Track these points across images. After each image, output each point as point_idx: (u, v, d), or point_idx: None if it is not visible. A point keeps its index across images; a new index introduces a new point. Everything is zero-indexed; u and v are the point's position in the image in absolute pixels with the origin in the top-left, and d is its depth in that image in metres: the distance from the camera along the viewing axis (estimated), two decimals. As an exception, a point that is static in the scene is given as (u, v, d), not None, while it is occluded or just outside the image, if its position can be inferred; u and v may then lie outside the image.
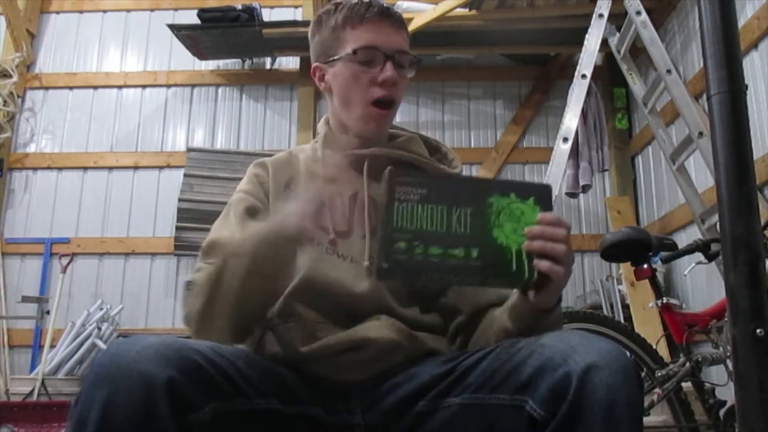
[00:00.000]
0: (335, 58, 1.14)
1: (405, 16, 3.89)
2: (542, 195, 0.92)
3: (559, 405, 0.79)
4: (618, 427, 0.77)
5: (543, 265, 0.88)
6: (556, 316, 0.99)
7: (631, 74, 3.06)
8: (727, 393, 2.07)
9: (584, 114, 3.57)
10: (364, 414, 0.98)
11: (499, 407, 0.87)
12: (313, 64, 1.20)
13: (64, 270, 4.01)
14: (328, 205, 1.07)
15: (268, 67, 4.68)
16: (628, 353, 2.33)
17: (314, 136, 1.27)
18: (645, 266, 2.23)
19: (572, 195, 3.74)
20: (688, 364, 2.09)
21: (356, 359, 1.01)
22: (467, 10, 3.85)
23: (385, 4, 1.15)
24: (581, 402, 0.78)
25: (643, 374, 2.38)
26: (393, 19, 1.14)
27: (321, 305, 1.05)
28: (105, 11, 4.88)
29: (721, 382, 2.09)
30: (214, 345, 0.89)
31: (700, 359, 2.09)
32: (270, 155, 1.23)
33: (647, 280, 2.25)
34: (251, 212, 1.10)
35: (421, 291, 1.09)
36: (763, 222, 1.77)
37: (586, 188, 3.63)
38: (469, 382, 0.91)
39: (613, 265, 4.03)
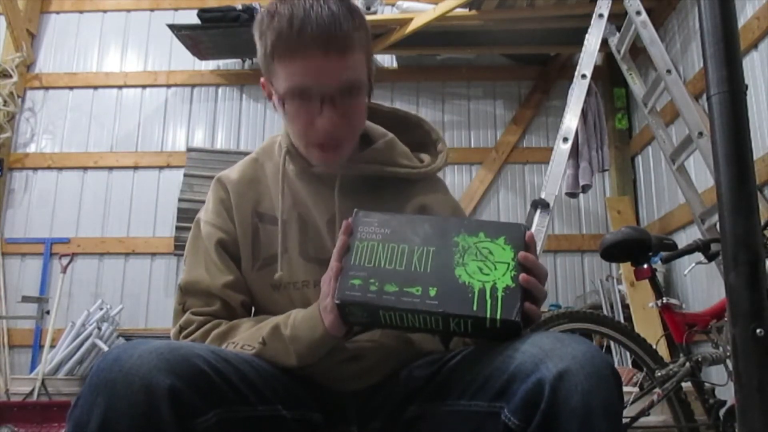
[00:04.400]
0: (271, 84, 1.00)
1: (405, 16, 3.93)
2: (514, 234, 0.88)
3: (533, 414, 0.76)
4: None
5: (529, 306, 0.84)
6: None
7: (631, 74, 3.06)
8: (727, 393, 2.07)
9: (584, 114, 3.57)
10: (360, 424, 0.99)
11: (480, 414, 0.84)
12: (262, 77, 1.04)
13: (64, 270, 4.01)
14: (306, 234, 1.05)
15: (268, 67, 4.68)
16: (628, 353, 2.34)
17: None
18: (645, 266, 2.23)
19: (572, 195, 3.74)
20: (688, 364, 2.09)
21: (355, 369, 1.01)
22: (467, 10, 3.85)
23: (322, 22, 0.90)
24: (555, 410, 0.74)
25: (642, 374, 2.39)
26: (330, 45, 0.91)
27: None
28: (105, 11, 4.88)
29: (721, 382, 2.09)
30: (217, 349, 0.89)
31: (700, 359, 2.09)
32: None
33: (647, 280, 2.25)
34: (224, 246, 1.06)
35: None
36: (763, 222, 1.77)
37: (586, 188, 3.63)
38: (452, 387, 0.89)
39: (613, 265, 4.04)
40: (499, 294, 0.83)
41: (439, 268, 0.85)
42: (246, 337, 0.97)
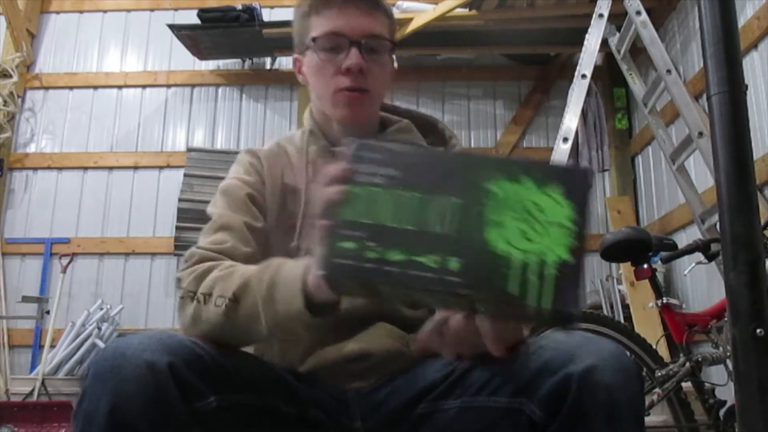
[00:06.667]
0: (305, 47, 1.09)
1: (405, 16, 3.93)
2: (576, 182, 0.62)
3: (559, 407, 0.77)
4: (619, 429, 0.76)
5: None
6: None
7: (631, 74, 3.06)
8: (727, 393, 2.07)
9: (584, 114, 3.58)
10: (364, 419, 0.98)
11: (498, 410, 0.85)
12: (295, 55, 1.14)
13: (64, 270, 4.01)
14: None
15: (268, 67, 4.68)
16: (628, 353, 2.34)
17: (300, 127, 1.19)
18: (645, 266, 2.23)
19: (572, 195, 3.74)
20: (688, 364, 2.10)
21: (356, 369, 1.00)
22: (467, 10, 3.85)
23: None
24: (582, 404, 0.76)
25: (643, 374, 2.39)
26: (361, 1, 1.05)
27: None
28: (105, 11, 4.88)
29: (721, 382, 2.09)
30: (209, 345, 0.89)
31: (700, 359, 2.09)
32: None
33: (647, 280, 2.25)
34: (253, 201, 1.06)
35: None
36: (763, 222, 1.77)
37: (586, 188, 3.63)
38: (469, 384, 0.89)
39: (613, 265, 4.03)
40: (550, 272, 0.60)
41: (465, 229, 0.62)
42: (222, 288, 0.89)
